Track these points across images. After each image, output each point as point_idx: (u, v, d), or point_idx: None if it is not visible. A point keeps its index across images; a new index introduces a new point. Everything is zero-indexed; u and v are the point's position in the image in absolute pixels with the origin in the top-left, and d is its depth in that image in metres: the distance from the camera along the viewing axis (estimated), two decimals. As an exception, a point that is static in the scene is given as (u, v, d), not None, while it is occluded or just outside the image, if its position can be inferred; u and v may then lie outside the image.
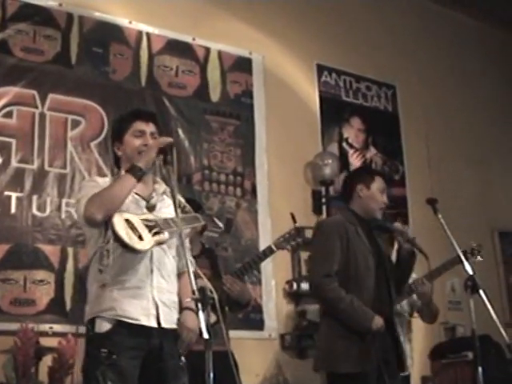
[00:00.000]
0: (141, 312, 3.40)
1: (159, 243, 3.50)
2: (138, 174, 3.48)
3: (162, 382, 3.42)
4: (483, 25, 8.86)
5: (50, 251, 5.25)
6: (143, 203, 3.62)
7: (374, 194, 4.54)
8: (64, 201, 5.40)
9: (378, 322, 4.22)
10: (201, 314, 2.95)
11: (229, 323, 4.62)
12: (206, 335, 2.90)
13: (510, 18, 8.70)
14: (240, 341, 5.22)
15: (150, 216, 3.55)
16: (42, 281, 5.16)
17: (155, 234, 3.47)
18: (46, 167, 5.41)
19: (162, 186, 3.78)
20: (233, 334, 4.77)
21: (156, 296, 3.47)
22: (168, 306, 3.51)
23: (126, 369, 3.30)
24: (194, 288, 3.02)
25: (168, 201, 3.73)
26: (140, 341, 3.37)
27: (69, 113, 5.62)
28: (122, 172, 3.63)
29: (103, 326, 3.35)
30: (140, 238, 3.39)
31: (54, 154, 5.47)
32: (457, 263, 4.82)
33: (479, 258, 5.12)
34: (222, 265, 5.03)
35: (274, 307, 6.20)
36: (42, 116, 5.49)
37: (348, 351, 4.22)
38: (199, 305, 2.96)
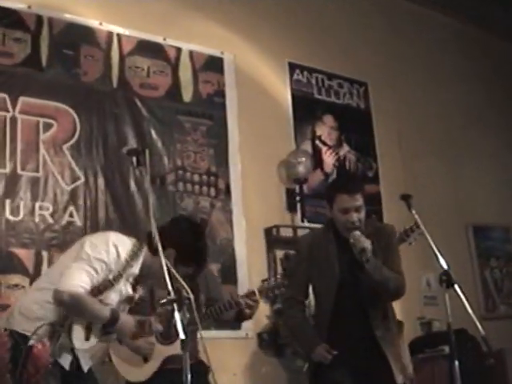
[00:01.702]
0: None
1: (101, 342, 3.83)
2: (106, 326, 3.73)
3: None
4: (457, 22, 8.90)
5: (24, 255, 5.21)
6: (127, 294, 3.89)
7: (336, 215, 4.38)
8: (37, 204, 5.36)
9: (318, 353, 4.26)
10: (177, 314, 2.96)
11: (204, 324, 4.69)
12: (182, 336, 2.91)
13: (485, 16, 8.74)
14: (217, 340, 5.20)
15: None
16: (16, 285, 5.12)
17: (105, 333, 3.77)
18: (19, 171, 5.36)
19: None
20: (210, 333, 4.78)
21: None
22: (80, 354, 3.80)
23: (59, 376, 3.60)
24: (170, 289, 3.04)
25: None
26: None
27: (40, 116, 5.57)
28: (141, 258, 3.85)
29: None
30: (87, 338, 3.70)
31: (27, 158, 5.42)
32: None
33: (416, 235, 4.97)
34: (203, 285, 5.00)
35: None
36: (14, 119, 5.44)
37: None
38: (175, 305, 2.98)
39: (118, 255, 3.74)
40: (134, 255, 3.81)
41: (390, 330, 4.44)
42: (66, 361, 3.69)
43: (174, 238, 3.87)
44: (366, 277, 4.26)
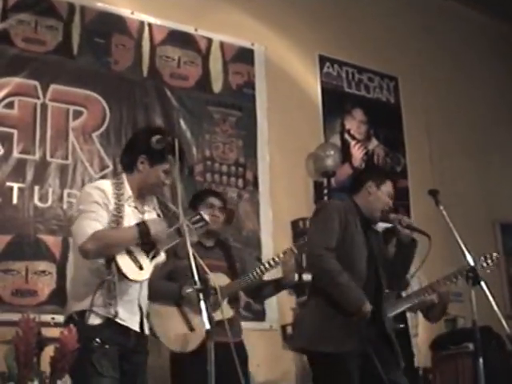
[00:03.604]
0: (128, 316, 3.61)
1: (157, 266, 3.68)
2: (144, 240, 3.56)
3: (134, 373, 3.69)
4: (486, 17, 8.84)
5: (52, 242, 5.26)
6: (139, 216, 3.73)
7: (382, 195, 4.49)
8: (66, 191, 5.41)
9: (367, 306, 4.18)
10: (202, 304, 2.97)
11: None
12: (207, 326, 2.91)
13: (513, 10, 8.70)
14: (241, 331, 5.23)
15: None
16: (43, 272, 5.17)
17: (153, 257, 3.63)
18: (48, 158, 5.41)
19: (152, 201, 3.90)
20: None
21: (142, 304, 3.72)
22: (145, 315, 3.77)
23: (115, 358, 3.53)
24: (196, 278, 3.05)
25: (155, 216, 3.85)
26: (123, 338, 3.60)
27: (70, 103, 5.61)
28: (126, 183, 3.74)
29: (95, 320, 3.52)
30: (140, 267, 3.56)
31: (56, 145, 5.47)
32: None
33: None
34: (236, 256, 5.07)
35: (275, 298, 6.19)
36: (44, 106, 5.48)
37: (330, 332, 4.20)
38: (201, 295, 2.99)
39: (102, 190, 3.66)
40: (117, 183, 3.74)
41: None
42: (135, 319, 3.66)
43: (139, 143, 3.79)
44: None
